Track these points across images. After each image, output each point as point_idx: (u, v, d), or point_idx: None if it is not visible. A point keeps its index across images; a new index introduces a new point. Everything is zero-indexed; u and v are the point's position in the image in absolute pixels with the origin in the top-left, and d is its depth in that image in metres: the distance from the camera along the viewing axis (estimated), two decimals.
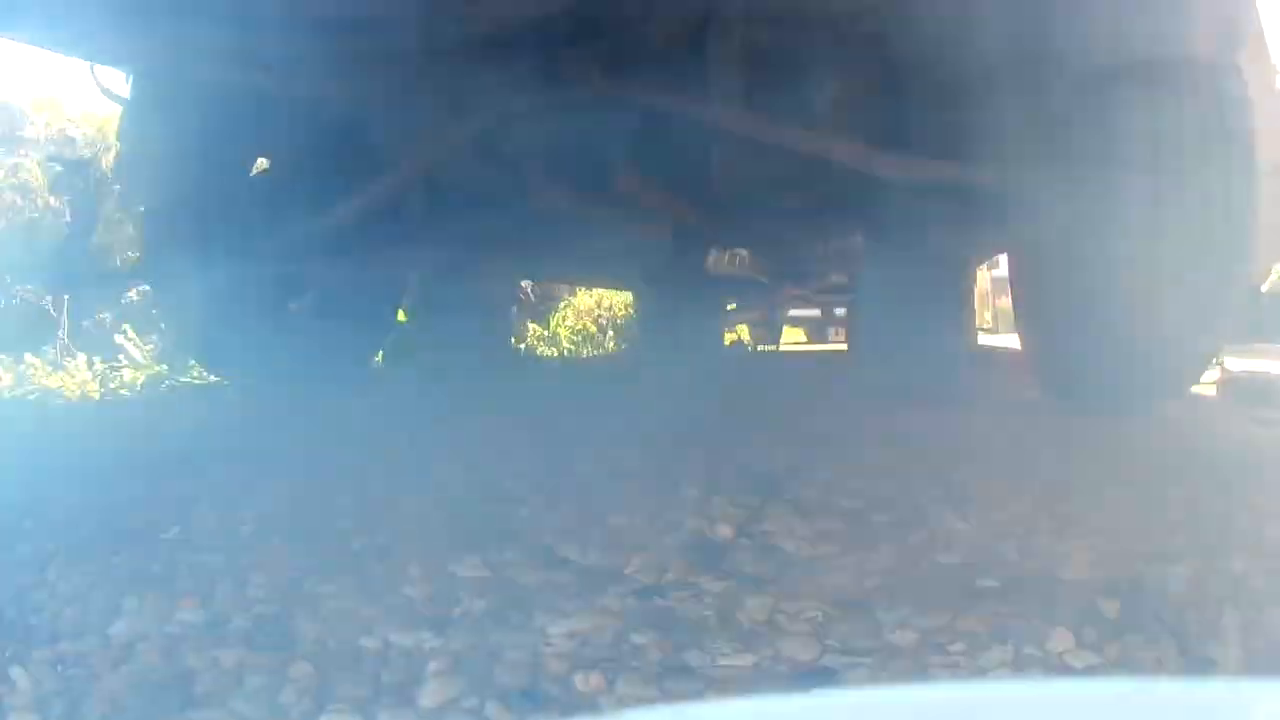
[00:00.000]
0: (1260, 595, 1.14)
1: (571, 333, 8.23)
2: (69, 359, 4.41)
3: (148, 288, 4.72)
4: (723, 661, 0.98)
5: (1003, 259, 5.22)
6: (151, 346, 4.70)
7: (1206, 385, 3.62)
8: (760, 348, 9.21)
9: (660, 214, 3.74)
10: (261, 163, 4.03)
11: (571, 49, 2.96)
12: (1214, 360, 3.48)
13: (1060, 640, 1.01)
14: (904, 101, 3.31)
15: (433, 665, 0.97)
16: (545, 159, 3.14)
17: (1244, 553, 1.32)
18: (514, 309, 6.49)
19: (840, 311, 9.76)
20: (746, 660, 0.98)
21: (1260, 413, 3.10)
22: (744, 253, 5.96)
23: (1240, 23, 2.53)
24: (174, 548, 1.41)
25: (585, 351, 7.97)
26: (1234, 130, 2.53)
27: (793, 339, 11.34)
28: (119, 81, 3.37)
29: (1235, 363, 5.16)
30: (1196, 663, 0.96)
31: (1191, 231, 2.54)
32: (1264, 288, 8.92)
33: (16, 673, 0.95)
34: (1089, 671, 0.95)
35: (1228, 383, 3.73)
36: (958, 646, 1.00)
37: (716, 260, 5.39)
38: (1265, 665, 0.97)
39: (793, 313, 9.34)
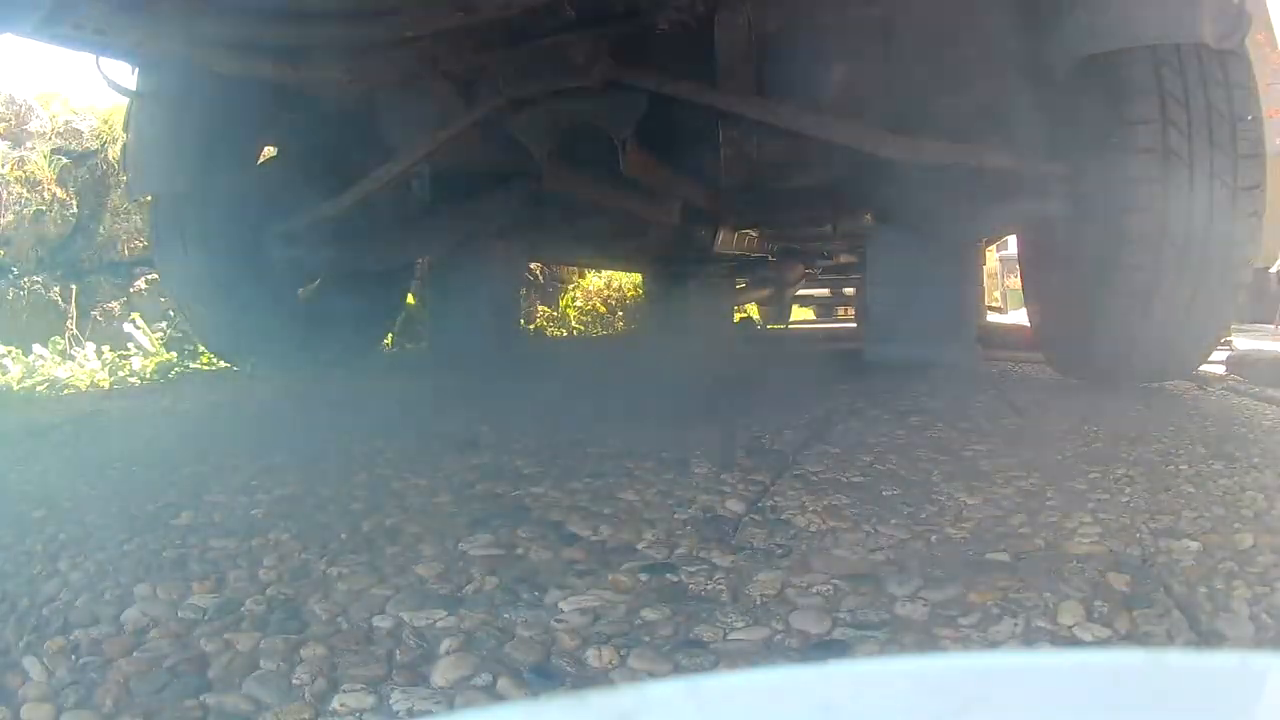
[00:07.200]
0: (1269, 570, 1.14)
1: (580, 313, 8.23)
2: (78, 349, 4.42)
3: (156, 276, 4.73)
4: (734, 635, 0.99)
5: (1011, 239, 5.22)
6: (160, 334, 4.71)
7: (1215, 364, 3.62)
8: (769, 325, 9.20)
9: (668, 196, 3.73)
10: (269, 150, 4.04)
11: (579, 34, 2.95)
12: (1223, 339, 3.48)
13: (1070, 613, 1.01)
14: (910, 83, 3.31)
15: (445, 644, 0.97)
16: (553, 142, 3.13)
17: (1252, 528, 1.32)
18: (522, 290, 6.49)
19: (849, 290, 9.76)
20: (758, 634, 0.99)
21: (1268, 391, 3.09)
22: (753, 233, 5.96)
23: (1247, 7, 2.52)
24: (186, 533, 1.42)
25: (594, 331, 7.97)
26: (1241, 113, 2.53)
27: (802, 317, 11.37)
28: (125, 73, 3.38)
29: (1244, 342, 5.16)
30: (1207, 636, 0.97)
31: (1200, 212, 2.54)
32: (1272, 269, 8.90)
33: (30, 663, 0.95)
34: (1099, 645, 0.95)
35: (1236, 361, 3.73)
36: (968, 620, 1.01)
37: (725, 240, 5.39)
38: (1275, 639, 0.97)
39: (802, 291, 9.34)
